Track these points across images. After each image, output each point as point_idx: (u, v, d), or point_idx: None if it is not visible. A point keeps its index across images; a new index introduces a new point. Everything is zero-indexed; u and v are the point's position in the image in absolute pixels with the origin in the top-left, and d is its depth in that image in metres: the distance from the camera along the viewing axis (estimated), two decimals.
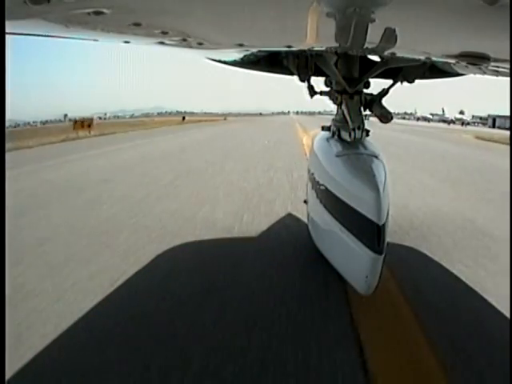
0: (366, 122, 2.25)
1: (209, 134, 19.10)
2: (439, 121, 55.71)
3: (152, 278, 2.33)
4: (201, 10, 0.98)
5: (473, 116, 54.61)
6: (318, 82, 2.44)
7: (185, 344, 1.66)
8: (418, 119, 63.26)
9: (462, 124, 46.37)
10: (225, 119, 55.50)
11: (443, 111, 62.54)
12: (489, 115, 47.05)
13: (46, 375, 1.50)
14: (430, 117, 62.06)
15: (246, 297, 2.06)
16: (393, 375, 1.48)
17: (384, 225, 1.71)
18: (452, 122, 50.38)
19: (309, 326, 1.79)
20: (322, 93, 2.45)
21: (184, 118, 38.46)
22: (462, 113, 57.93)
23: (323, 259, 2.32)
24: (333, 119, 2.52)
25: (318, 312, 1.90)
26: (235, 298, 2.05)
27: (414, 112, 71.75)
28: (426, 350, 1.61)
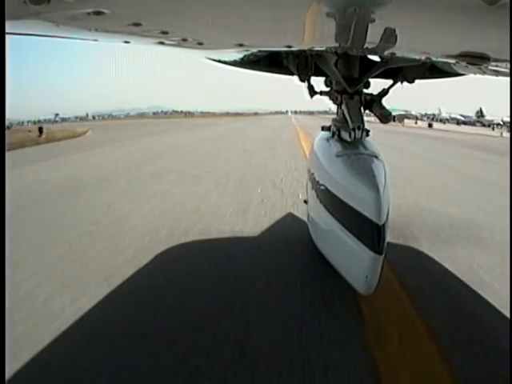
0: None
1: None
2: (460, 123, 43.23)
3: None
4: (201, 10, 0.98)
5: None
6: (318, 82, 2.44)
7: None
8: (445, 121, 46.42)
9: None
10: (81, 135, 20.41)
11: (481, 112, 47.96)
12: None
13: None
14: (462, 118, 47.00)
15: None
16: None
17: (384, 225, 1.71)
18: (498, 125, 36.20)
19: None
20: (321, 93, 2.45)
21: (41, 131, 20.01)
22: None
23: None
24: (333, 119, 2.52)
25: None
26: None
27: (438, 112, 54.42)
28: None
